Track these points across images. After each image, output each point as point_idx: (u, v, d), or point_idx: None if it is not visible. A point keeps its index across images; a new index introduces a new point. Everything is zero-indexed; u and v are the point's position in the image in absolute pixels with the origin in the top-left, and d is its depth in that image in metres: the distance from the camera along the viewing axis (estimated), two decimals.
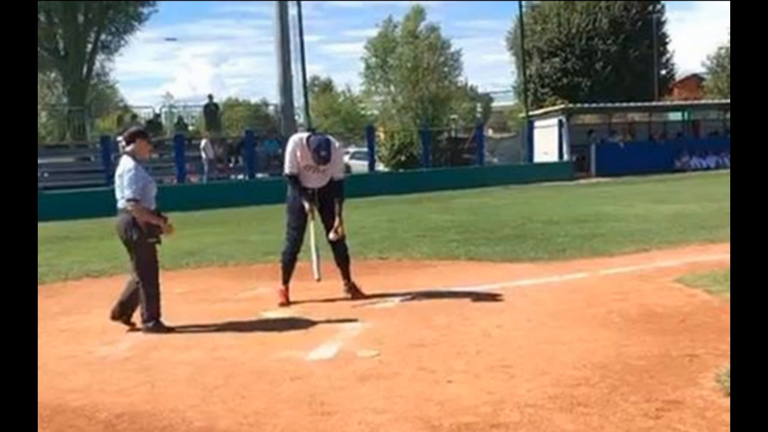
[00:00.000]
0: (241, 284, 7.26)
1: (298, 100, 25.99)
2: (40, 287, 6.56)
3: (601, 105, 31.11)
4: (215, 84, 78.38)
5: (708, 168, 27.31)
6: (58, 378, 4.42)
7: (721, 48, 46.01)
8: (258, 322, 5.71)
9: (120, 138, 5.90)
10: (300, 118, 26.04)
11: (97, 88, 38.77)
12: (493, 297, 6.19)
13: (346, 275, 6.42)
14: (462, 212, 14.21)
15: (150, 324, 5.41)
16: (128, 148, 5.51)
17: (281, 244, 6.43)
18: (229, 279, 7.64)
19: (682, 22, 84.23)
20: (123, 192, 5.39)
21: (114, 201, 5.52)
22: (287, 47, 24.68)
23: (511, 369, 4.25)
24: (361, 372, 4.31)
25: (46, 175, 20.88)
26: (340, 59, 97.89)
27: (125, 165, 5.44)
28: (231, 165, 24.25)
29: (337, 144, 6.33)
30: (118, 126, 24.23)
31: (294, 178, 6.24)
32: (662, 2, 42.36)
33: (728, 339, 3.51)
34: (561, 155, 27.56)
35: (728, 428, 3.08)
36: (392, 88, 41.41)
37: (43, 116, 32.07)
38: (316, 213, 6.28)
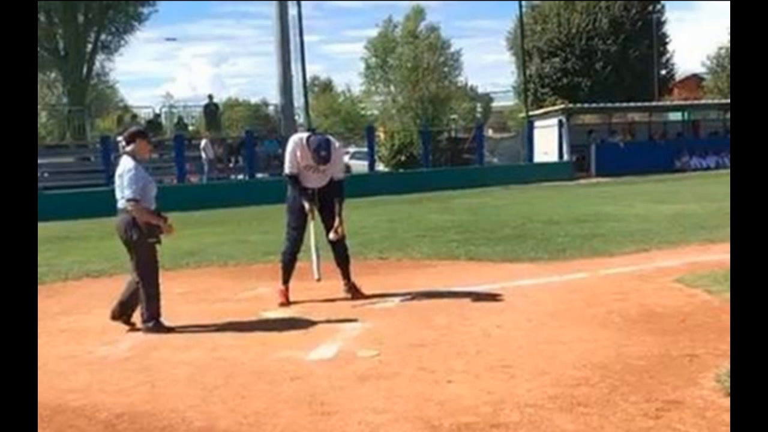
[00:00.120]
0: (241, 284, 7.26)
1: (298, 100, 26.02)
2: (40, 287, 6.56)
3: (601, 105, 31.11)
4: (215, 84, 78.48)
5: (708, 168, 27.31)
6: (58, 378, 4.42)
7: (721, 48, 46.02)
8: (258, 322, 5.71)
9: (120, 138, 5.90)
10: (300, 118, 26.04)
11: (97, 88, 38.78)
12: (493, 297, 6.19)
13: (346, 275, 6.42)
14: (462, 212, 14.21)
15: (150, 324, 5.41)
16: (128, 148, 5.51)
17: (281, 244, 6.43)
18: (229, 279, 7.64)
19: (682, 22, 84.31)
20: (123, 192, 5.39)
21: (114, 201, 5.52)
22: (287, 47, 24.68)
23: (511, 369, 4.25)
24: (361, 372, 4.31)
25: (46, 175, 20.87)
26: (340, 59, 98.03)
27: (125, 165, 5.44)
28: (231, 165, 24.25)
29: (337, 144, 6.33)
30: (118, 126, 24.23)
31: (294, 178, 6.24)
32: (662, 2, 42.45)
33: (728, 339, 3.51)
34: (561, 155, 27.56)
35: (728, 428, 3.08)
36: (392, 88, 41.42)
37: (43, 116, 32.07)
38: (316, 213, 6.28)
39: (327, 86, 53.76)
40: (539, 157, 28.00)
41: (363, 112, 42.89)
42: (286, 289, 6.30)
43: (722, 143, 27.62)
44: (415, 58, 39.39)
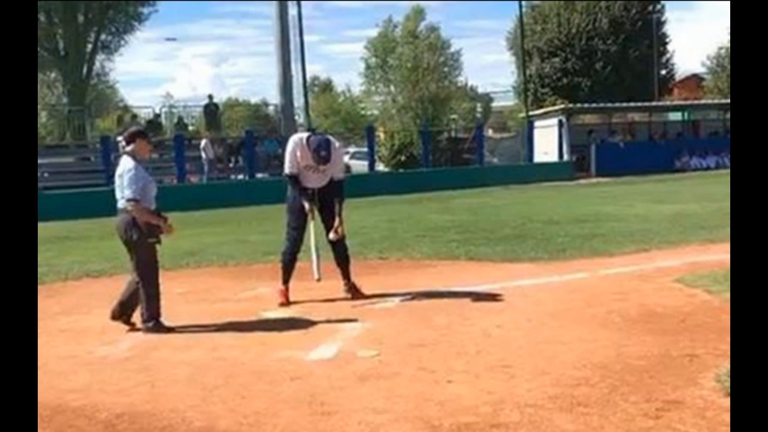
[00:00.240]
0: (241, 284, 7.26)
1: (298, 100, 26.02)
2: (40, 287, 6.56)
3: (601, 105, 31.11)
4: (215, 84, 78.48)
5: (708, 168, 27.31)
6: (58, 378, 4.42)
7: (721, 48, 46.02)
8: (258, 322, 5.71)
9: (120, 138, 5.90)
10: (300, 118, 26.04)
11: (97, 88, 38.77)
12: (493, 297, 6.19)
13: (346, 275, 6.42)
14: (462, 212, 14.21)
15: (150, 324, 5.41)
16: (128, 148, 5.51)
17: (281, 244, 6.43)
18: (229, 279, 7.64)
19: (682, 22, 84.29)
20: (123, 192, 5.39)
21: (114, 201, 5.52)
22: (287, 47, 24.68)
23: (511, 369, 4.25)
24: (361, 372, 4.31)
25: (46, 175, 20.87)
26: (340, 59, 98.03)
27: (125, 165, 5.44)
28: (231, 165, 24.25)
29: (337, 144, 6.33)
30: (118, 126, 24.23)
31: (294, 178, 6.24)
32: (662, 2, 42.44)
33: (728, 339, 3.51)
34: (561, 155, 27.56)
35: (728, 428, 3.08)
36: (392, 88, 41.42)
37: (43, 116, 32.07)
38: (316, 213, 6.28)
39: (327, 86, 53.75)
40: (539, 157, 28.00)
41: (363, 112, 42.89)
42: (286, 289, 6.30)
43: (722, 143, 27.62)
44: (415, 58, 39.39)
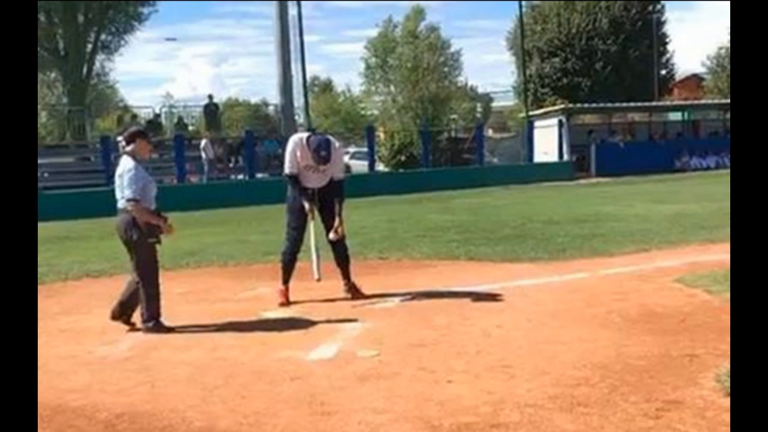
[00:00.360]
0: (241, 284, 7.26)
1: (298, 100, 26.02)
2: (40, 287, 6.56)
3: (601, 105, 31.11)
4: (215, 84, 78.49)
5: (708, 168, 27.31)
6: (58, 378, 4.42)
7: (721, 48, 46.02)
8: (258, 322, 5.71)
9: (120, 138, 5.90)
10: (300, 118, 26.04)
11: (97, 88, 38.77)
12: (493, 297, 6.19)
13: (346, 275, 6.42)
14: (462, 212, 14.21)
15: (150, 324, 5.41)
16: (128, 148, 5.51)
17: (281, 244, 6.43)
18: (229, 279, 7.64)
19: (682, 22, 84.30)
20: (123, 192, 5.39)
21: (114, 201, 5.52)
22: (287, 47, 24.68)
23: (511, 369, 4.25)
24: (361, 372, 4.31)
25: (46, 175, 20.87)
26: (340, 59, 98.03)
27: (125, 165, 5.44)
28: (231, 165, 24.25)
29: (337, 144, 6.33)
30: (118, 126, 24.23)
31: (294, 178, 6.23)
32: (662, 2, 42.44)
33: (728, 339, 3.51)
34: (561, 155, 27.56)
35: (728, 428, 3.08)
36: (392, 88, 41.42)
37: (43, 116, 32.07)
38: (316, 213, 6.28)
39: (327, 86, 53.75)
40: (539, 157, 28.00)
41: (363, 112, 42.89)
42: (286, 289, 6.30)
43: (722, 143, 27.62)
44: (415, 58, 39.39)
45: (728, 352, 3.57)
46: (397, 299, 6.26)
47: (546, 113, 30.15)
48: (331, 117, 41.79)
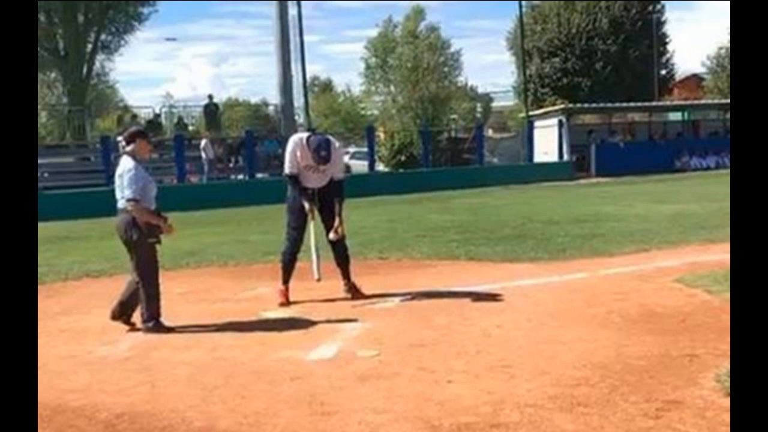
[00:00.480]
0: (241, 284, 7.26)
1: (298, 100, 26.02)
2: (40, 287, 6.56)
3: (601, 105, 31.11)
4: (215, 84, 78.49)
5: (708, 168, 27.31)
6: (58, 378, 4.42)
7: (721, 48, 46.02)
8: (258, 322, 5.71)
9: (120, 138, 5.90)
10: (300, 118, 26.04)
11: (97, 88, 38.77)
12: (493, 297, 6.19)
13: (346, 275, 6.42)
14: (462, 212, 14.21)
15: (150, 324, 5.41)
16: (128, 148, 5.51)
17: (281, 244, 6.43)
18: (229, 279, 7.64)
19: (682, 22, 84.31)
20: (123, 192, 5.39)
21: (114, 201, 5.52)
22: (287, 47, 24.68)
23: (511, 369, 4.25)
24: (361, 372, 4.31)
25: (46, 175, 20.87)
26: (340, 59, 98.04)
27: (125, 165, 5.44)
28: (231, 165, 24.25)
29: (337, 144, 6.33)
30: (118, 126, 24.23)
31: (294, 178, 6.23)
32: (662, 2, 42.44)
33: (728, 339, 3.51)
34: (561, 155, 27.56)
35: (728, 428, 3.08)
36: (392, 88, 41.42)
37: (43, 116, 32.06)
38: (316, 213, 6.28)
39: (327, 86, 53.75)
40: (539, 157, 27.99)
41: (363, 112, 42.88)
42: (286, 289, 6.30)
43: (722, 143, 27.61)
44: (415, 58, 39.39)
45: (728, 352, 3.57)
46: (397, 299, 6.26)
47: (546, 113, 30.15)
48: (331, 117, 41.79)
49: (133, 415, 3.78)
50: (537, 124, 29.27)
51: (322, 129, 30.70)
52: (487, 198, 17.87)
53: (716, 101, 35.43)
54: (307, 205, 6.18)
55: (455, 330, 5.22)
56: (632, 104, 32.08)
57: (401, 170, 26.69)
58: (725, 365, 3.92)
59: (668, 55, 43.31)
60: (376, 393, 3.94)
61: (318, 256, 6.21)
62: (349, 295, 6.33)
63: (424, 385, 4.05)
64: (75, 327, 5.77)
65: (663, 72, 42.49)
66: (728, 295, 5.04)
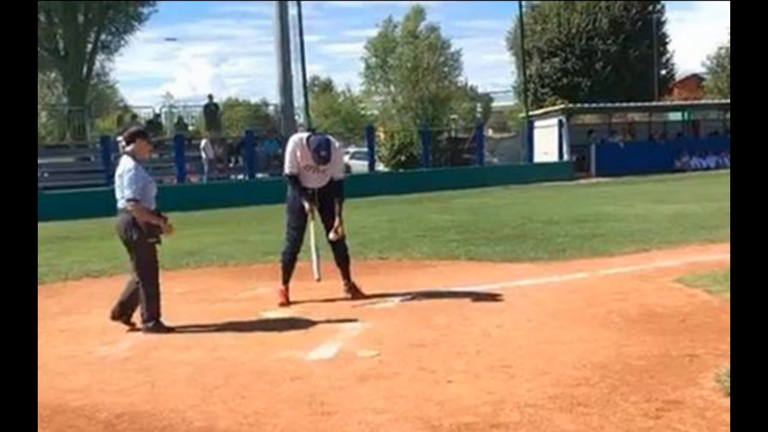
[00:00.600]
0: (241, 284, 7.26)
1: (298, 100, 26.02)
2: (40, 287, 6.56)
3: (601, 105, 31.12)
4: (215, 84, 78.49)
5: (708, 168, 27.32)
6: (58, 378, 4.42)
7: (721, 48, 46.03)
8: (258, 322, 5.71)
9: (120, 138, 5.90)
10: (300, 118, 26.04)
11: (97, 88, 38.78)
12: (493, 297, 6.19)
13: (346, 275, 6.42)
14: (462, 212, 14.21)
15: (150, 324, 5.41)
16: (128, 148, 5.51)
17: (281, 244, 6.43)
18: (229, 279, 7.64)
19: (682, 22, 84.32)
20: (123, 192, 5.39)
21: (114, 201, 5.52)
22: (287, 47, 24.68)
23: (511, 369, 4.25)
24: (361, 372, 4.31)
25: (46, 175, 20.87)
26: (340, 59, 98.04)
27: (125, 165, 5.44)
28: (231, 165, 24.25)
29: (337, 144, 6.33)
30: (118, 126, 24.23)
31: (294, 178, 6.23)
32: (662, 2, 42.45)
33: (728, 339, 3.51)
34: (561, 155, 27.57)
35: (728, 428, 3.08)
36: (392, 88, 41.42)
37: (43, 116, 32.06)
38: (316, 213, 6.28)
39: (327, 86, 53.74)
40: (539, 157, 28.00)
41: (363, 112, 42.88)
42: (286, 289, 6.30)
43: (722, 143, 27.62)
44: (415, 58, 39.39)
45: (728, 352, 3.57)
46: (397, 299, 6.26)
47: (546, 113, 30.15)
48: (331, 117, 41.78)
49: (133, 415, 3.78)
50: (537, 124, 29.27)
51: (322, 129, 30.70)
52: (487, 198, 17.87)
53: (716, 101, 35.43)
54: (307, 205, 6.18)
55: (455, 330, 5.22)
56: (632, 104, 32.08)
57: (401, 170, 26.69)
58: (725, 365, 3.92)
59: (668, 55, 43.32)
60: (376, 393, 3.94)
61: (318, 256, 6.21)
62: (349, 295, 6.33)
63: (424, 385, 4.05)
64: (75, 327, 5.77)
65: (663, 72, 42.49)
66: (728, 295, 5.04)
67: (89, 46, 29.71)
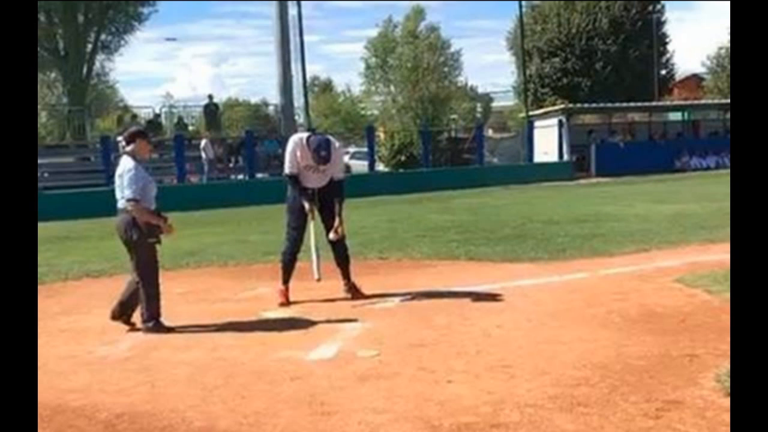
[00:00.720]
0: (241, 284, 7.26)
1: (298, 100, 26.02)
2: (40, 287, 6.56)
3: (601, 105, 31.12)
4: (215, 84, 78.49)
5: (708, 168, 27.32)
6: (58, 378, 4.42)
7: (721, 48, 46.03)
8: (258, 322, 5.71)
9: (120, 138, 5.90)
10: (300, 118, 26.04)
11: (97, 88, 38.77)
12: (493, 297, 6.19)
13: (346, 275, 6.42)
14: (462, 212, 14.21)
15: (150, 324, 5.41)
16: (128, 148, 5.51)
17: (281, 244, 6.43)
18: (229, 279, 7.64)
19: (682, 22, 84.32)
20: (123, 192, 5.39)
21: (114, 201, 5.52)
22: (287, 47, 24.68)
23: (511, 369, 4.25)
24: (361, 372, 4.31)
25: (46, 175, 20.87)
26: (340, 59, 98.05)
27: (125, 165, 5.44)
28: (231, 165, 24.25)
29: (337, 144, 6.33)
30: (118, 126, 24.23)
31: (294, 178, 6.23)
32: (662, 2, 42.45)
33: (728, 339, 3.51)
34: (561, 155, 27.57)
35: (728, 428, 3.08)
36: (392, 88, 41.43)
37: (43, 116, 32.06)
38: (316, 213, 6.28)
39: (327, 86, 53.74)
40: (539, 157, 28.00)
41: (363, 112, 42.88)
42: (286, 289, 6.30)
43: (722, 143, 27.62)
44: (415, 58, 39.39)
45: (728, 352, 3.57)
46: (397, 299, 6.26)
47: (546, 113, 30.15)
48: (331, 117, 41.78)
49: (133, 415, 3.78)
50: (537, 124, 29.27)
51: (322, 129, 30.70)
52: (487, 198, 17.87)
53: (716, 101, 35.43)
54: (307, 205, 6.18)
55: (455, 330, 5.22)
56: (632, 104, 32.08)
57: (401, 170, 26.69)
58: (725, 365, 3.92)
59: (668, 55, 43.32)
60: (376, 393, 3.94)
61: (318, 256, 6.21)
62: (349, 295, 6.33)
63: (424, 385, 4.05)
64: (75, 327, 5.77)
65: (663, 72, 42.50)
66: (728, 295, 5.04)
67: (89, 46, 29.71)
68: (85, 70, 29.75)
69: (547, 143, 27.92)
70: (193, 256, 9.18)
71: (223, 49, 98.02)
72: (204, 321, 5.69)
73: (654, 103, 34.94)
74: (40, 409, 3.45)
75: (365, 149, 25.81)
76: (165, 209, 5.63)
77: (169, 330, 5.42)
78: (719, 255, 7.03)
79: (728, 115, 29.11)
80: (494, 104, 52.15)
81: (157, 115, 27.00)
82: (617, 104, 31.40)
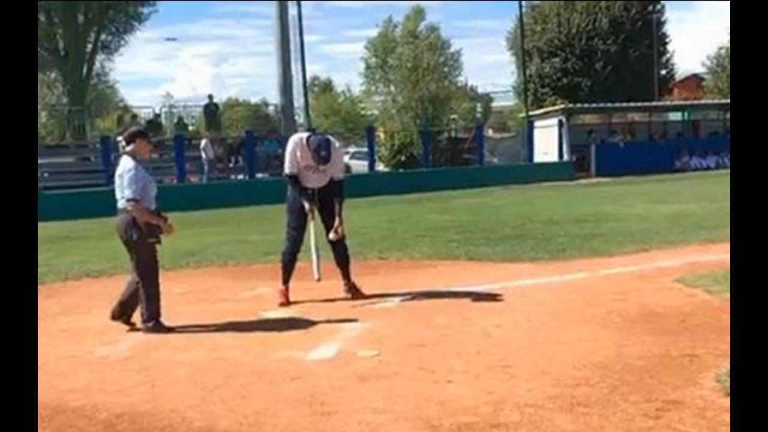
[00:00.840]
0: (241, 284, 7.26)
1: (298, 100, 26.02)
2: (40, 287, 6.56)
3: (601, 105, 31.12)
4: (215, 84, 78.49)
5: (708, 168, 27.32)
6: (58, 378, 4.42)
7: (721, 48, 46.03)
8: (258, 322, 5.71)
9: (120, 138, 5.90)
10: (300, 118, 26.04)
11: (97, 88, 38.78)
12: (493, 297, 6.19)
13: (346, 275, 6.42)
14: (462, 212, 14.21)
15: (150, 324, 5.41)
16: (128, 148, 5.52)
17: (281, 244, 6.43)
18: (229, 279, 7.64)
19: (682, 22, 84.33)
20: (123, 192, 5.39)
21: (114, 201, 5.52)
22: (287, 47, 24.68)
23: (511, 369, 4.25)
24: (361, 372, 4.31)
25: (46, 175, 20.87)
26: (340, 59, 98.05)
27: (125, 165, 5.44)
28: (231, 165, 24.25)
29: (337, 144, 6.33)
30: (118, 126, 24.23)
31: (294, 178, 6.24)
32: (662, 2, 42.45)
33: (728, 339, 3.51)
34: (561, 155, 27.57)
35: (728, 428, 3.08)
36: (392, 88, 41.43)
37: (43, 116, 32.06)
38: (316, 213, 6.29)
39: (327, 86, 53.74)
40: (539, 157, 28.00)
41: (363, 112, 42.89)
42: (286, 289, 6.30)
43: (722, 143, 27.62)
44: (415, 58, 39.39)
45: (728, 352, 3.57)
46: (397, 299, 6.26)
47: (546, 113, 30.15)
48: (331, 117, 41.78)
49: (133, 415, 3.78)
50: (537, 124, 29.27)
51: (322, 129, 30.70)
52: (487, 198, 17.87)
53: (716, 101, 35.43)
54: (307, 205, 6.18)
55: (455, 330, 5.22)
56: (632, 104, 32.08)
57: (401, 170, 26.69)
58: (725, 365, 3.92)
59: (668, 55, 43.33)
60: (376, 393, 3.94)
61: (318, 256, 6.21)
62: (349, 295, 6.33)
63: (424, 385, 4.05)
64: (75, 327, 5.77)
65: (663, 72, 42.49)
66: (728, 295, 5.04)
67: (89, 46, 29.71)
68: (85, 70, 29.75)
69: (547, 143, 27.92)
70: (193, 256, 9.19)
71: (223, 49, 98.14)
72: (204, 321, 5.69)
73: (654, 103, 34.94)
74: (40, 409, 3.45)
75: (365, 149, 25.81)
76: (165, 209, 5.63)
77: (169, 330, 5.42)
78: (719, 255, 7.03)
79: (728, 115, 29.11)
80: (494, 104, 52.16)
81: (157, 115, 27.01)
82: (617, 104, 31.40)
